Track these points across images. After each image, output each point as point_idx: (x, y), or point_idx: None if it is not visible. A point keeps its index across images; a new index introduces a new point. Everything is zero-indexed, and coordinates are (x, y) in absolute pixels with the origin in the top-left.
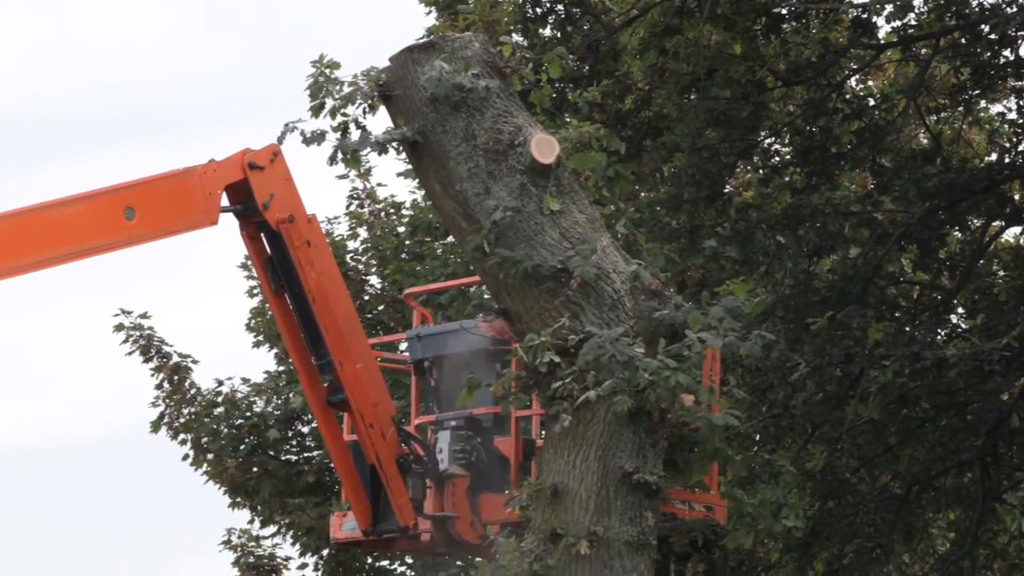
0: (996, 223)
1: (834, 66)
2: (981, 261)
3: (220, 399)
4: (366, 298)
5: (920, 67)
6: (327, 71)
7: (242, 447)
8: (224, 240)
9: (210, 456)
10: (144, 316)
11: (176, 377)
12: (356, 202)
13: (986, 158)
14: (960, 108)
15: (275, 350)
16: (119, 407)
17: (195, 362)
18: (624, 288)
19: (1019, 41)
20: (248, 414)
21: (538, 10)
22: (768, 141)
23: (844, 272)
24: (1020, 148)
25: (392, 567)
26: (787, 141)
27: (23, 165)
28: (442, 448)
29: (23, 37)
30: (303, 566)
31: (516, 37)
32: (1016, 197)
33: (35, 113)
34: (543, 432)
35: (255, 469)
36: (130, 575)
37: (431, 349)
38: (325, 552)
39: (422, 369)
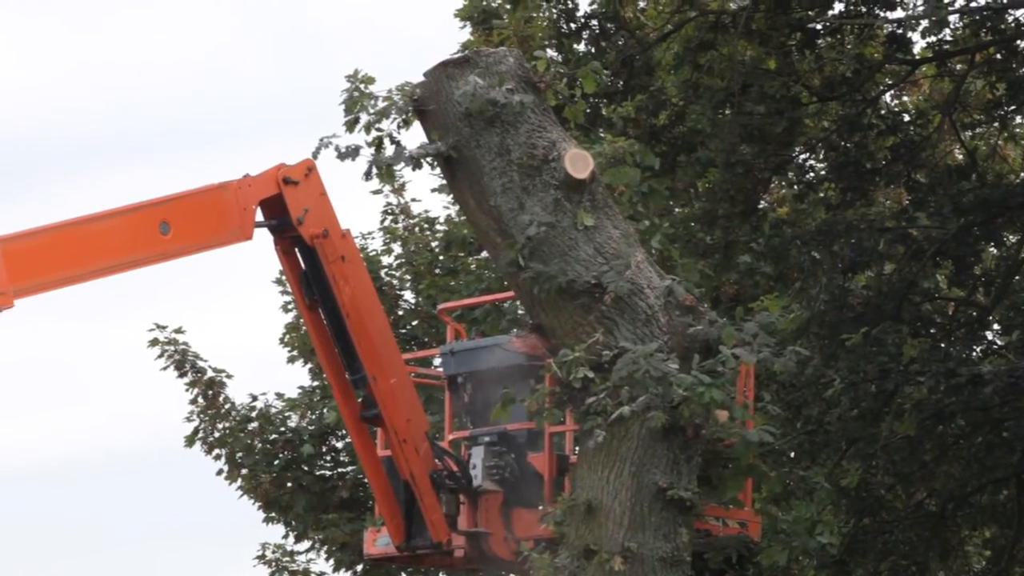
0: None
1: (869, 82)
2: (1017, 277)
3: (254, 414)
4: (400, 313)
5: (955, 83)
6: (362, 86)
7: (276, 462)
8: (259, 255)
9: (244, 471)
10: (178, 331)
11: (210, 392)
12: (390, 217)
13: (1022, 174)
14: (995, 124)
15: (309, 365)
16: (153, 421)
17: (229, 377)
18: (658, 304)
19: None
20: (282, 429)
21: (572, 25)
22: (803, 157)
23: (879, 288)
24: None
25: None
26: (822, 157)
27: (59, 179)
28: (476, 464)
29: (60, 55)
30: None
31: (550, 52)
32: None
33: (69, 129)
34: (577, 448)
35: (289, 484)
36: None
37: (465, 364)
38: (359, 568)
39: (456, 384)
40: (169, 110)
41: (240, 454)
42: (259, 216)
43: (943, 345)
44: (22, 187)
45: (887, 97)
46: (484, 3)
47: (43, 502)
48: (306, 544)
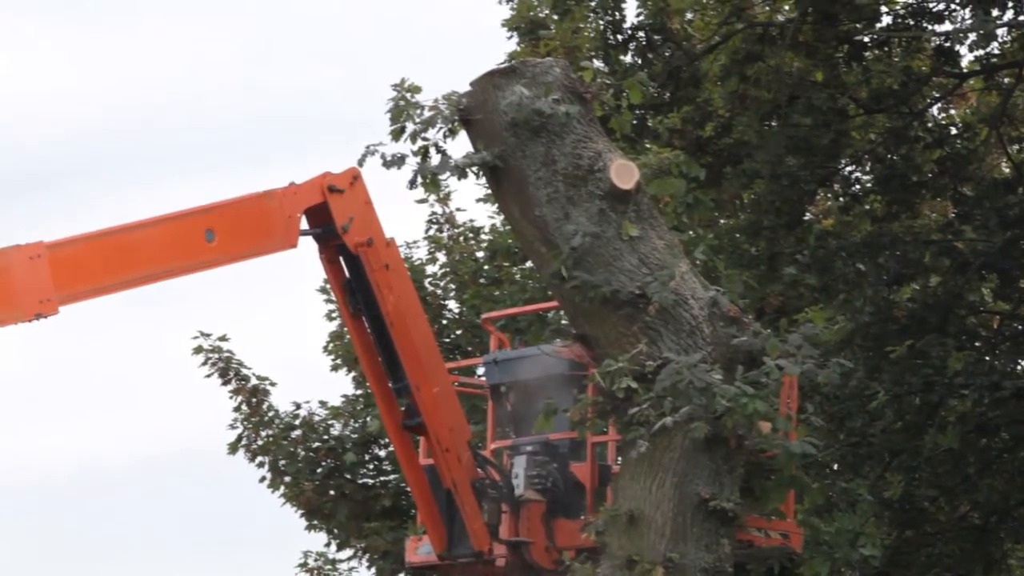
0: None
1: (916, 94)
2: None
3: (298, 422)
4: (444, 322)
5: (1003, 96)
6: (408, 95)
7: (319, 470)
8: (303, 263)
9: (287, 479)
10: (223, 339)
11: (254, 400)
12: (435, 226)
13: None
14: None
15: (353, 374)
16: (197, 428)
17: (273, 385)
18: (702, 314)
19: None
20: (325, 437)
21: (619, 36)
22: (849, 169)
23: (924, 301)
24: None
25: None
26: (868, 169)
27: (84, 187)
28: (518, 473)
29: (115, 70)
30: None
31: (597, 63)
32: None
33: (119, 140)
34: (619, 458)
35: (332, 492)
36: None
37: (508, 374)
38: None
39: (499, 394)
40: (221, 118)
41: (283, 462)
42: (304, 224)
43: (988, 358)
44: (47, 194)
45: (934, 110)
46: (531, 13)
47: (87, 508)
48: (348, 552)
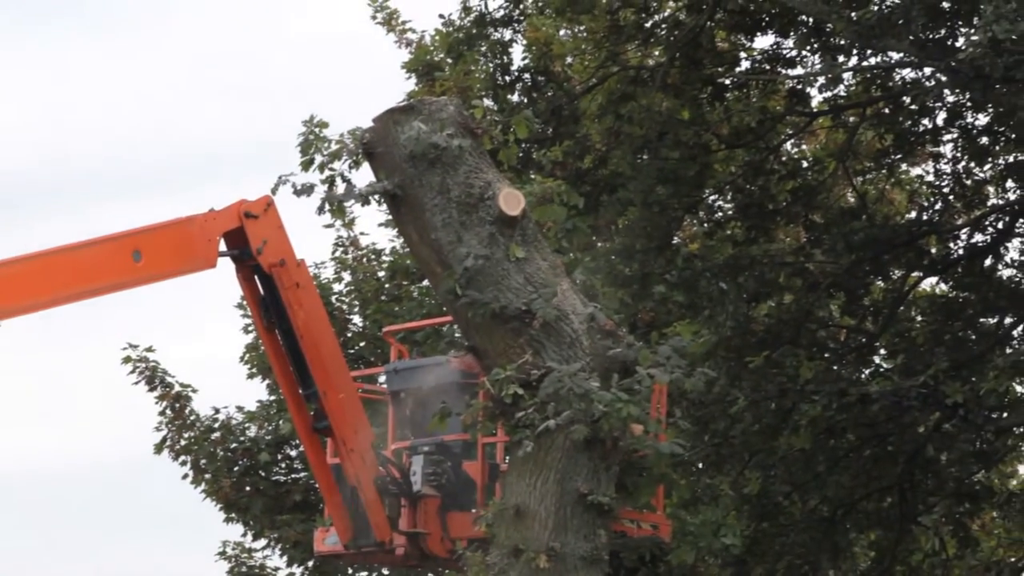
0: (915, 274)
1: (772, 131)
2: (901, 308)
3: (217, 425)
4: (349, 335)
5: (848, 133)
6: (317, 130)
7: (236, 468)
8: (222, 281)
9: (207, 476)
10: (149, 350)
11: (177, 405)
12: (341, 249)
13: (906, 215)
14: (884, 170)
15: (267, 381)
16: (126, 431)
17: (195, 391)
18: (582, 328)
19: (936, 111)
20: (242, 439)
21: (507, 78)
22: (712, 198)
23: (779, 316)
24: (936, 207)
25: None
26: (729, 198)
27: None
28: (416, 471)
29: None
30: None
31: (487, 101)
32: (932, 251)
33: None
34: (507, 457)
35: (248, 488)
36: None
37: (407, 382)
38: (310, 564)
39: (398, 399)
40: (157, 151)
41: (203, 461)
42: (222, 246)
43: (836, 368)
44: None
45: (788, 145)
46: (428, 57)
47: (34, 503)
48: (263, 542)
